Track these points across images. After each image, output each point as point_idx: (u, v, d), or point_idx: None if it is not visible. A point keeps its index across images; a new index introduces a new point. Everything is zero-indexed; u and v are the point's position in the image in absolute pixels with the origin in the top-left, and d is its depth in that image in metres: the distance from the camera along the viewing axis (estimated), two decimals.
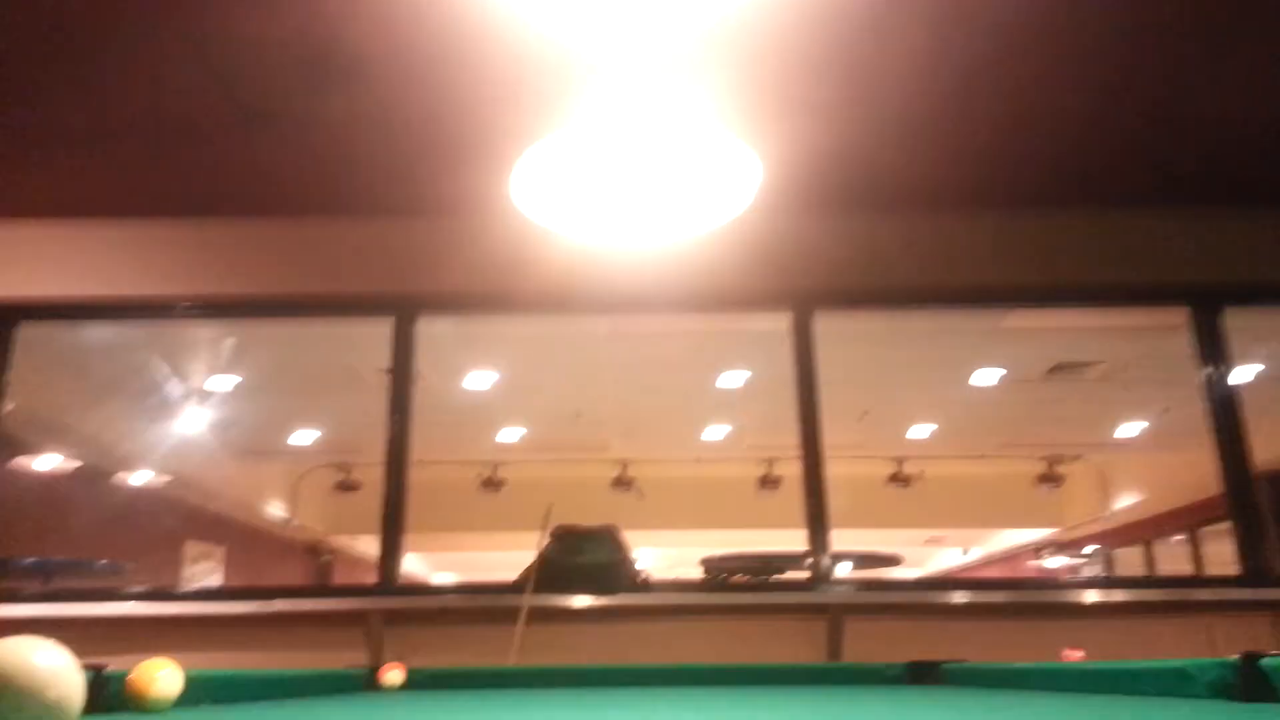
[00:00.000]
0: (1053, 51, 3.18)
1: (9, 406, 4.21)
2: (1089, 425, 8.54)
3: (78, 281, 4.25)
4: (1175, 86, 3.39)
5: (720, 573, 3.81)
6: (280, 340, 5.78)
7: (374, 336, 4.59)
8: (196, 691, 1.52)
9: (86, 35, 3.03)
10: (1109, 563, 11.45)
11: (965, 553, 14.99)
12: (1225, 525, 4.08)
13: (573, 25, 3.00)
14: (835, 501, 4.03)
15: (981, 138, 3.72)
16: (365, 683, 2.40)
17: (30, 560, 5.61)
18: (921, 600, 3.88)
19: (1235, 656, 1.34)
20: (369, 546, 10.46)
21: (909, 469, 9.44)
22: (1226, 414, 4.06)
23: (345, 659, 3.54)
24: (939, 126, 3.63)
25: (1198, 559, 9.19)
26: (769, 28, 3.02)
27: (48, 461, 7.31)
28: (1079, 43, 3.14)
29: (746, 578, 3.77)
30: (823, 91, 3.38)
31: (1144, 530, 10.13)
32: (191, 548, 9.35)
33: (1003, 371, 6.69)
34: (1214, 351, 4.16)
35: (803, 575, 3.94)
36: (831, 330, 4.36)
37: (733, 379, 6.88)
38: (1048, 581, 8.78)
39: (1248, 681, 1.31)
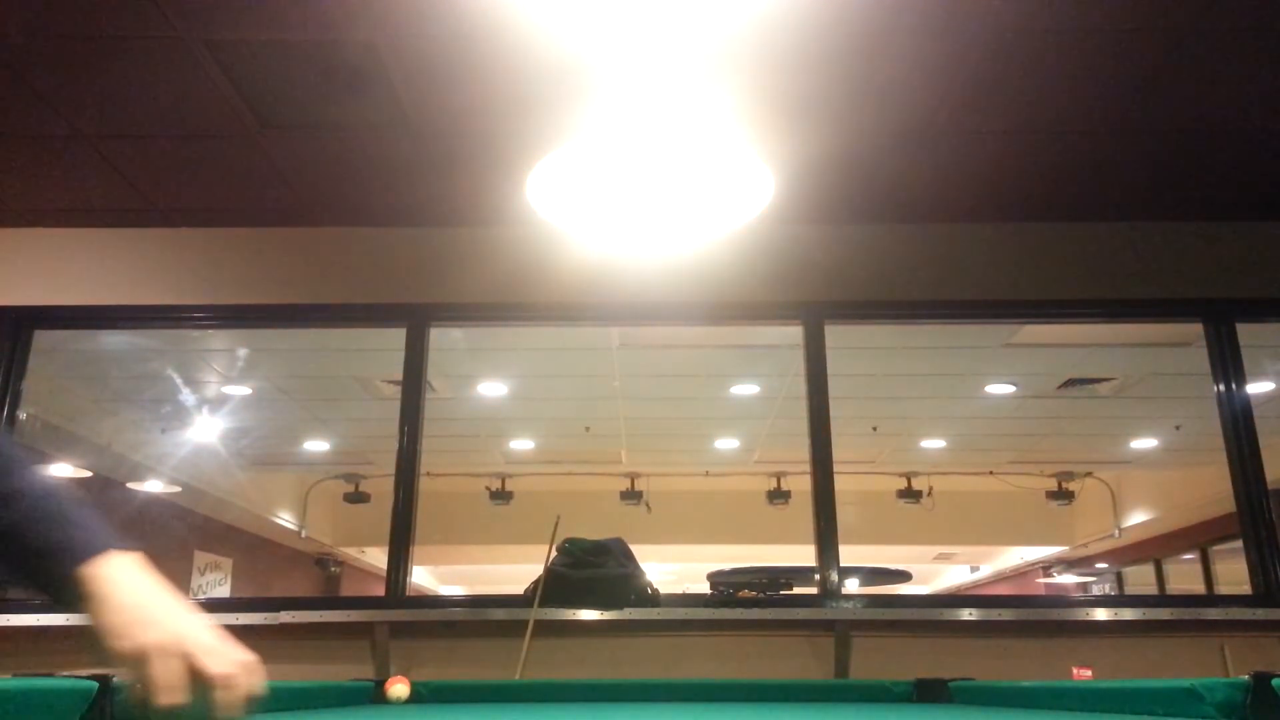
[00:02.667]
0: (1065, 62, 3.18)
1: (22, 415, 4.23)
2: (1100, 442, 8.50)
3: (91, 289, 4.28)
4: (1189, 97, 3.39)
5: (727, 588, 3.79)
6: (292, 350, 5.80)
7: (385, 347, 4.60)
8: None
9: (102, 43, 3.06)
10: (1119, 580, 11.38)
11: (974, 569, 14.91)
12: (1237, 543, 4.05)
13: (586, 36, 3.01)
14: (845, 516, 4.02)
15: (993, 149, 3.73)
16: (372, 695, 2.39)
17: None
18: (930, 617, 3.86)
19: (1246, 677, 1.33)
20: (377, 558, 10.47)
21: (918, 485, 9.41)
22: (1240, 430, 4.03)
23: (352, 671, 3.54)
24: (951, 137, 3.64)
25: (1209, 577, 9.13)
26: (780, 39, 3.03)
27: (59, 471, 7.34)
28: (1091, 54, 3.14)
29: (754, 593, 3.76)
30: (834, 101, 3.39)
31: (1155, 548, 10.08)
32: (200, 558, 9.37)
33: (1014, 387, 6.67)
34: (1228, 367, 4.14)
35: (811, 590, 3.92)
36: (842, 343, 4.36)
37: (743, 391, 6.88)
38: (1057, 599, 8.73)
39: (1258, 702, 1.30)
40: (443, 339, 4.66)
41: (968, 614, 3.75)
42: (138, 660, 0.91)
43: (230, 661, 0.98)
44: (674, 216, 3.82)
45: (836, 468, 4.05)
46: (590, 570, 3.75)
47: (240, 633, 3.58)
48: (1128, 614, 3.75)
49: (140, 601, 0.96)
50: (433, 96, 3.34)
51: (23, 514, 0.96)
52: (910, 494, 9.39)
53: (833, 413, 4.13)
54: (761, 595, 3.75)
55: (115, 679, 1.35)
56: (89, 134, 3.57)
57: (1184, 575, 9.90)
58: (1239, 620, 3.72)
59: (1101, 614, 3.77)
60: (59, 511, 0.98)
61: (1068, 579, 12.20)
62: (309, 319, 4.45)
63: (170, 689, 0.90)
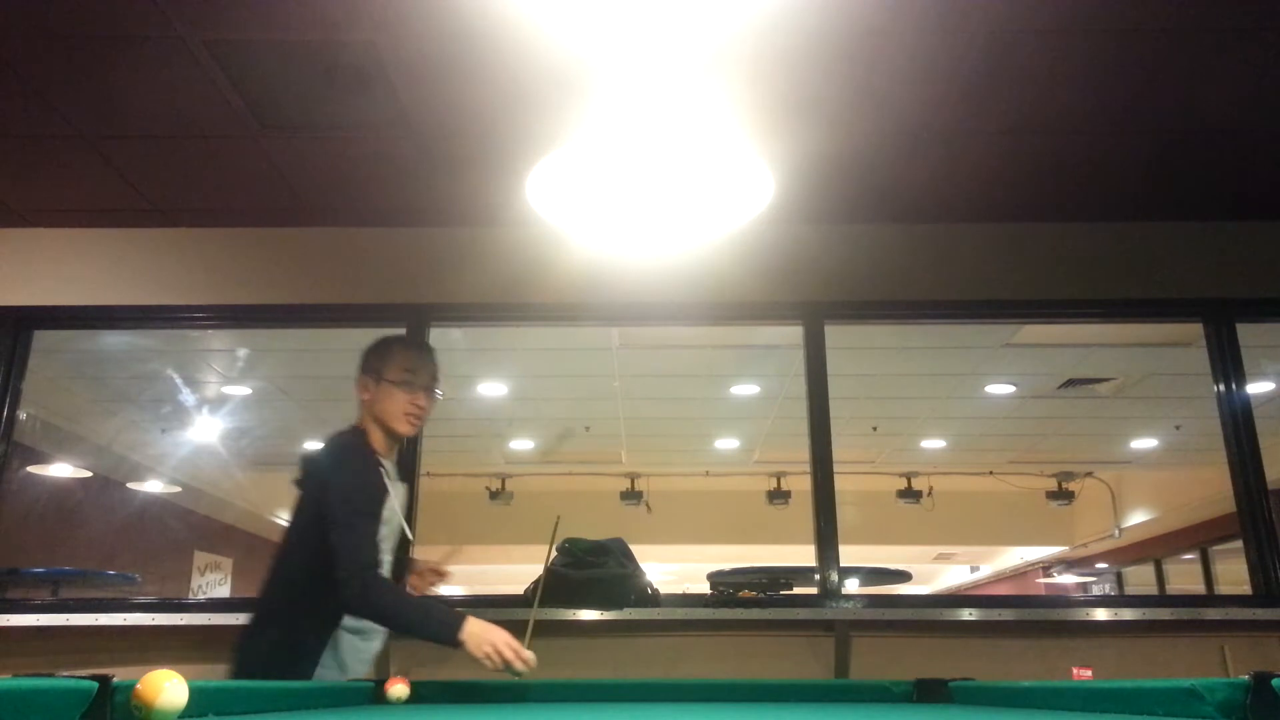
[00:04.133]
0: (1064, 62, 3.18)
1: (21, 415, 4.23)
2: (1100, 442, 8.51)
3: (91, 289, 4.28)
4: (1188, 97, 3.39)
5: (727, 588, 3.79)
6: (292, 350, 5.80)
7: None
8: (203, 702, 1.52)
9: (101, 42, 3.06)
10: (1119, 580, 11.39)
11: (974, 569, 14.92)
12: (1237, 543, 4.05)
13: (586, 35, 3.01)
14: (845, 516, 4.02)
15: (993, 149, 3.72)
16: (372, 695, 2.39)
17: (40, 570, 5.63)
18: (930, 617, 3.86)
19: (1246, 677, 1.32)
20: None
21: (918, 485, 9.42)
22: (1240, 430, 4.03)
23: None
24: (950, 137, 3.64)
25: (1209, 577, 9.14)
26: (780, 39, 3.03)
27: (59, 471, 7.34)
28: (1090, 53, 3.14)
29: (754, 593, 3.75)
30: (834, 101, 3.39)
31: (1154, 548, 10.08)
32: (200, 558, 9.37)
33: (1014, 387, 6.67)
34: (1228, 366, 4.13)
35: (811, 590, 3.92)
36: (842, 343, 4.36)
37: (743, 391, 6.88)
38: (1057, 599, 8.73)
39: (1258, 702, 1.29)
40: (443, 339, 4.65)
41: (968, 614, 3.75)
42: (485, 656, 2.28)
43: (518, 649, 2.30)
44: (674, 216, 3.82)
45: (836, 468, 4.05)
46: (590, 570, 3.75)
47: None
48: (1128, 614, 3.75)
49: (478, 634, 2.31)
50: (433, 96, 3.34)
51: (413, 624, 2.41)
52: (910, 494, 9.40)
53: (833, 413, 4.12)
54: (761, 595, 3.75)
55: (115, 679, 1.34)
56: (89, 134, 3.57)
57: (1184, 575, 9.91)
58: (1239, 620, 3.72)
59: (1101, 614, 3.77)
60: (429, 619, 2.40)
61: (1068, 579, 12.21)
62: (309, 319, 4.45)
63: (499, 663, 2.25)
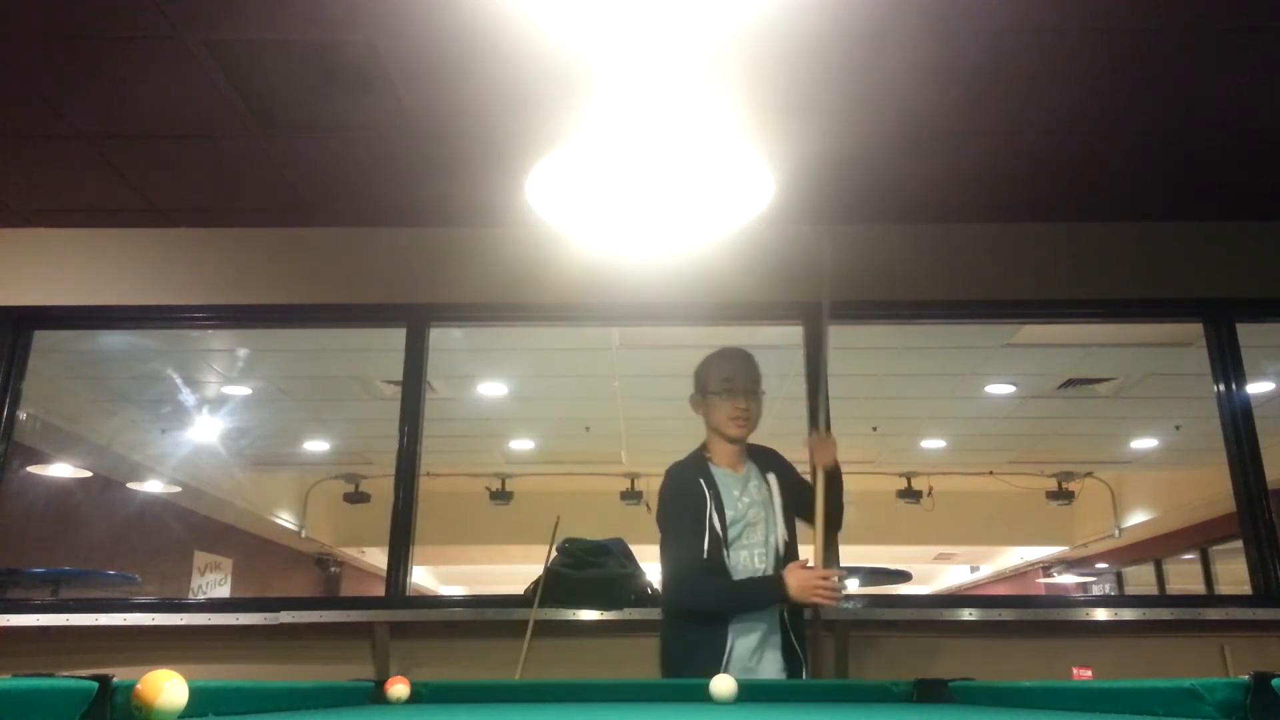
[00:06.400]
0: (1063, 62, 3.18)
1: (21, 415, 4.23)
2: (1100, 442, 8.50)
3: (91, 289, 4.28)
4: (1188, 97, 3.39)
5: None
6: (292, 350, 5.80)
7: (385, 347, 4.60)
8: (202, 702, 1.52)
9: (101, 42, 3.06)
10: (1119, 580, 11.39)
11: (974, 569, 14.92)
12: (1237, 543, 4.05)
13: (586, 36, 3.01)
14: (845, 516, 4.00)
15: (993, 149, 3.72)
16: (372, 695, 2.39)
17: (40, 570, 5.63)
18: (930, 617, 3.85)
19: (1246, 677, 1.32)
20: (377, 558, 10.41)
21: (918, 485, 9.41)
22: (1240, 430, 4.03)
23: (352, 671, 3.54)
24: (949, 137, 3.64)
25: (1209, 577, 9.14)
26: (780, 39, 3.03)
27: (59, 471, 7.34)
28: (1090, 52, 3.14)
29: None
30: (833, 101, 3.39)
31: (1154, 548, 10.08)
32: (200, 558, 9.37)
33: (1014, 387, 6.67)
34: (1228, 367, 4.13)
35: None
36: (843, 343, 4.35)
37: None
38: (1057, 599, 8.72)
39: (1258, 702, 1.29)
40: (443, 339, 4.65)
41: (968, 614, 3.75)
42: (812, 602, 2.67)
43: (829, 585, 2.62)
44: (674, 216, 3.82)
45: None
46: (590, 570, 3.75)
47: (240, 633, 3.59)
48: (1128, 614, 3.75)
49: (795, 587, 2.63)
50: (433, 96, 3.34)
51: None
52: (910, 494, 9.40)
53: (833, 413, 4.11)
54: None
55: (115, 679, 1.35)
56: (89, 134, 3.57)
57: (1184, 575, 9.91)
58: (1239, 620, 3.72)
59: (1101, 614, 3.77)
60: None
61: (1068, 579, 12.21)
62: (309, 319, 4.45)
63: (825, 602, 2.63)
